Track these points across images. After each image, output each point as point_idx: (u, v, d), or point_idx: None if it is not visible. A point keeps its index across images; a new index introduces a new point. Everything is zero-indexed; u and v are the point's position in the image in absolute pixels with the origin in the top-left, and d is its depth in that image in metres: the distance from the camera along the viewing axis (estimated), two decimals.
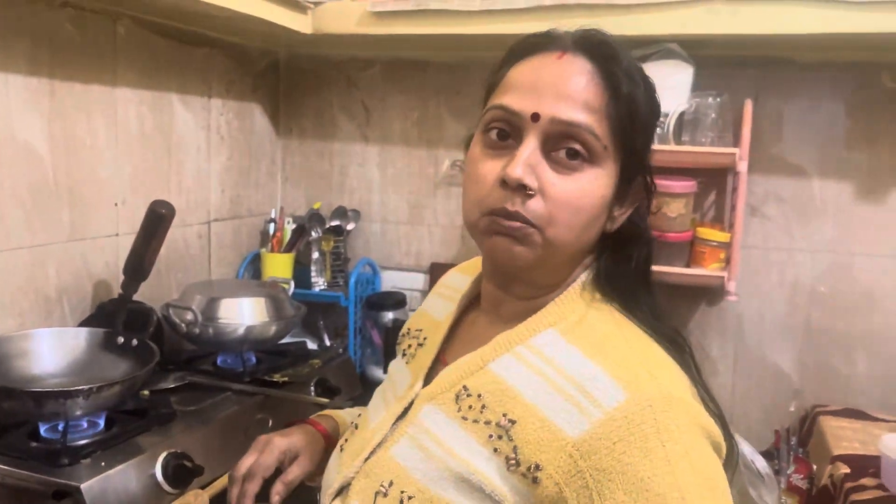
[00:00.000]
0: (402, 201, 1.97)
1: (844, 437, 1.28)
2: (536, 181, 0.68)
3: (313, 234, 1.90)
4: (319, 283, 1.92)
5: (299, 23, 1.63)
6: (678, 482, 0.59)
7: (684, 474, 0.60)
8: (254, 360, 1.54)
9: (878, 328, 1.64)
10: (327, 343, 1.91)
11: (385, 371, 1.82)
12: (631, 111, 0.70)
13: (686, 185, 1.51)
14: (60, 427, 1.12)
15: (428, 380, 0.79)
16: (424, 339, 0.87)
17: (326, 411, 1.04)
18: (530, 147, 0.69)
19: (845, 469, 1.15)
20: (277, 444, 0.91)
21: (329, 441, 0.97)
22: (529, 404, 0.67)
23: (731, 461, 0.68)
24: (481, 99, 0.77)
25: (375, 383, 1.82)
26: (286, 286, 1.68)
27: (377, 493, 0.71)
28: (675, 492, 0.59)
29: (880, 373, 1.65)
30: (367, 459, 0.77)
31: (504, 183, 0.69)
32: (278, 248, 1.90)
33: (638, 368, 0.66)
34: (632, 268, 0.76)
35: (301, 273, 1.90)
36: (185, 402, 1.31)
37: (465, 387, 0.72)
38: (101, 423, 1.18)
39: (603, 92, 0.69)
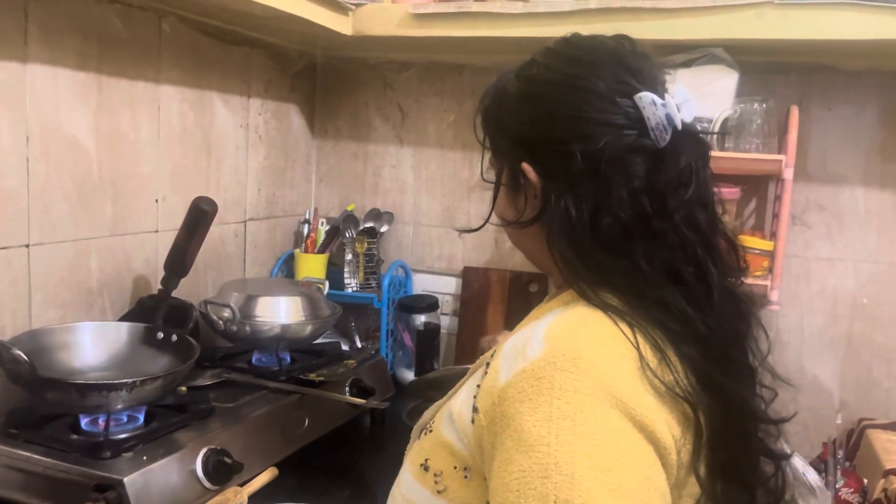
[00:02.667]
0: (436, 204, 1.97)
1: (895, 450, 1.26)
2: None
3: (347, 235, 1.90)
4: (352, 284, 1.91)
5: (340, 24, 1.64)
6: (550, 438, 0.60)
7: (562, 432, 0.61)
8: (289, 359, 1.54)
9: None
10: (359, 345, 1.90)
11: (416, 374, 1.81)
12: (486, 123, 0.87)
13: (731, 192, 1.49)
14: (102, 420, 1.13)
15: None
16: None
17: None
18: None
19: None
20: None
21: None
22: (501, 355, 0.71)
23: (666, 447, 0.65)
24: None
25: (406, 386, 1.83)
26: (322, 286, 1.68)
27: (423, 431, 0.81)
28: (543, 446, 0.60)
29: None
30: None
31: None
32: (312, 248, 1.90)
33: (567, 329, 0.69)
34: (582, 251, 0.75)
35: (334, 274, 1.89)
36: (222, 399, 1.31)
37: (495, 350, 0.77)
38: (141, 417, 1.18)
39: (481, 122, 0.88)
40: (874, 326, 1.64)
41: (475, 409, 0.69)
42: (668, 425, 0.66)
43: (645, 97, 0.73)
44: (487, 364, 0.73)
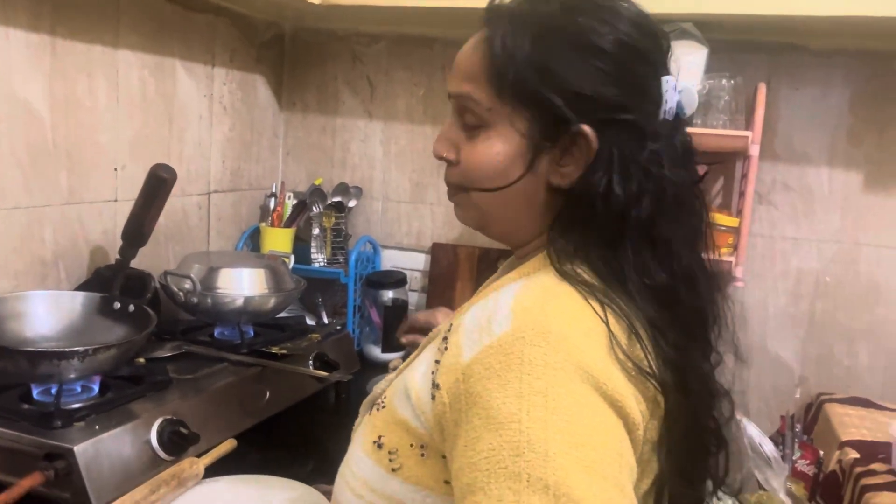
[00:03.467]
0: (405, 179, 1.95)
1: (852, 423, 1.27)
2: (454, 152, 0.77)
3: (314, 209, 1.88)
4: (319, 259, 1.89)
5: None
6: (521, 415, 0.58)
7: (534, 409, 0.58)
8: (251, 332, 1.52)
9: (881, 320, 1.63)
10: (325, 320, 1.88)
11: (383, 351, 1.80)
12: (515, 65, 0.71)
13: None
14: (54, 390, 1.10)
15: None
16: None
17: None
18: (449, 121, 0.78)
19: (854, 454, 1.14)
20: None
21: None
22: (459, 332, 0.68)
23: (634, 423, 0.64)
24: None
25: (373, 362, 1.82)
26: (287, 260, 1.66)
27: (374, 405, 0.78)
28: (514, 423, 0.58)
29: (882, 364, 1.64)
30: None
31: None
32: (278, 222, 1.87)
33: (536, 302, 0.66)
34: (590, 228, 0.72)
35: (301, 249, 1.87)
36: (181, 371, 1.28)
37: (451, 325, 0.73)
38: (96, 388, 1.15)
39: (483, 55, 0.73)
40: (836, 306, 1.66)
41: (436, 386, 0.66)
42: (636, 401, 0.64)
43: (669, 81, 0.72)
44: (445, 339, 0.70)
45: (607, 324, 0.66)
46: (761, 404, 1.64)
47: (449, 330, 0.71)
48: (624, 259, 0.71)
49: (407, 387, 0.71)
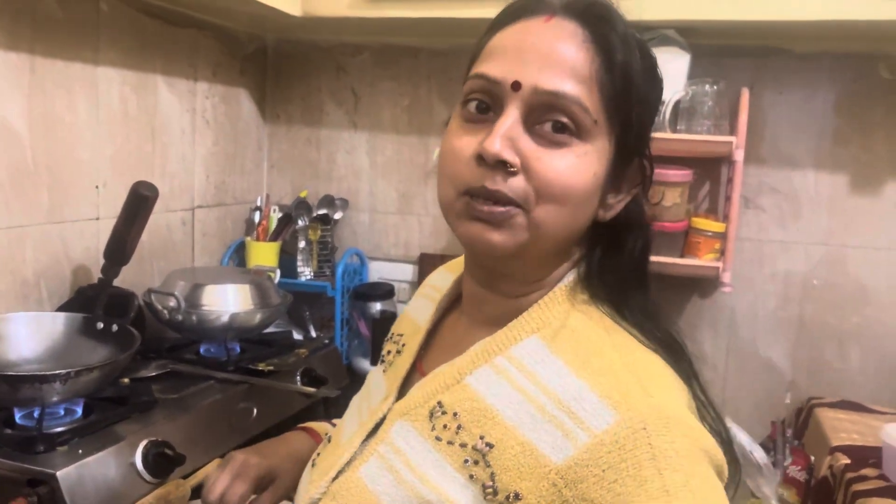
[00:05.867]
0: (392, 190, 1.94)
1: (842, 428, 1.27)
2: (518, 157, 0.62)
3: (300, 222, 1.86)
4: (306, 272, 1.88)
5: (288, 4, 1.59)
6: None
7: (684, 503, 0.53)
8: (238, 349, 1.51)
9: (870, 322, 1.63)
10: (313, 334, 1.87)
11: (373, 363, 1.78)
12: (626, 81, 0.63)
13: (682, 174, 1.49)
14: (36, 414, 1.08)
15: (403, 392, 0.73)
16: (403, 345, 0.80)
17: (313, 423, 0.98)
18: (511, 119, 0.62)
19: (845, 460, 1.13)
20: (255, 467, 0.85)
21: None
22: (509, 426, 0.61)
23: (734, 482, 0.62)
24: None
25: (362, 375, 1.80)
26: (272, 274, 1.64)
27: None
28: None
29: (873, 367, 1.63)
30: (335, 479, 0.71)
31: (481, 159, 0.62)
32: (264, 236, 1.86)
33: (629, 383, 0.59)
34: (626, 263, 0.69)
35: (287, 263, 1.85)
36: (166, 391, 1.27)
37: (439, 403, 0.66)
38: (79, 410, 1.14)
39: (594, 59, 0.62)
40: (825, 308, 1.66)
41: (517, 497, 0.58)
42: None
43: None
44: (484, 440, 0.61)
45: (690, 380, 0.64)
46: (752, 410, 1.63)
47: (455, 416, 0.64)
48: (646, 300, 0.69)
49: (431, 503, 0.62)
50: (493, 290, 0.70)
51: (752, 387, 1.70)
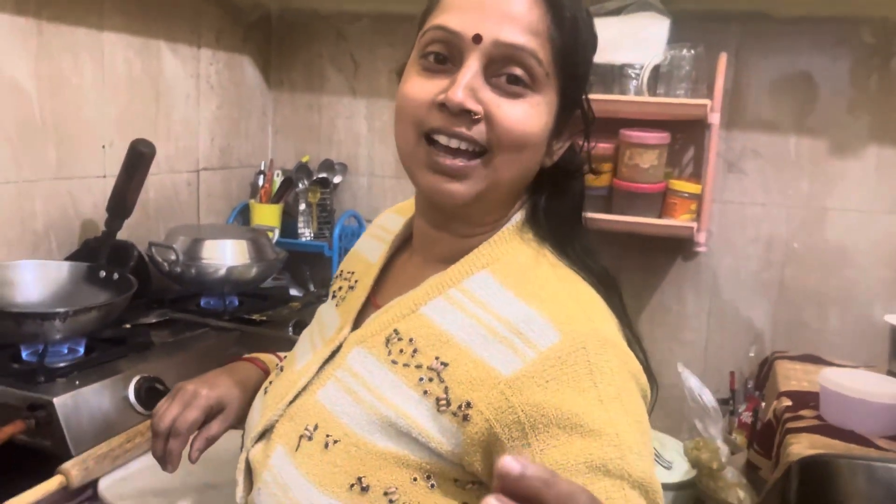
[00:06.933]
0: (389, 155, 2.00)
1: (794, 377, 1.31)
2: (480, 105, 0.66)
3: (300, 185, 1.94)
4: (306, 234, 1.96)
5: None
6: (612, 419, 0.59)
7: (617, 414, 0.60)
8: (236, 302, 1.60)
9: (849, 283, 1.66)
10: (311, 290, 1.95)
11: None
12: (574, 36, 0.68)
13: (659, 137, 1.53)
14: (40, 350, 1.18)
15: (358, 323, 0.77)
16: (356, 281, 0.84)
17: (259, 354, 0.99)
18: (472, 70, 0.65)
19: (787, 402, 1.18)
20: (204, 397, 0.85)
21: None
22: (462, 347, 0.66)
23: (650, 407, 0.69)
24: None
25: None
26: (270, 233, 1.73)
27: (301, 437, 0.70)
28: (610, 428, 0.58)
29: (851, 328, 1.67)
30: (291, 402, 0.74)
31: (444, 107, 0.65)
32: (266, 198, 1.94)
33: (573, 309, 0.65)
34: (567, 205, 0.76)
35: (290, 224, 1.94)
36: (163, 336, 1.37)
37: (395, 330, 0.70)
38: (81, 349, 1.23)
39: (545, 14, 0.66)
40: (806, 270, 1.69)
41: (465, 406, 0.63)
42: None
43: None
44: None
45: (621, 319, 0.70)
46: (733, 367, 1.66)
47: (413, 354, 0.68)
48: (584, 238, 0.75)
49: (389, 419, 0.66)
50: (445, 230, 0.75)
51: (733, 348, 1.74)
